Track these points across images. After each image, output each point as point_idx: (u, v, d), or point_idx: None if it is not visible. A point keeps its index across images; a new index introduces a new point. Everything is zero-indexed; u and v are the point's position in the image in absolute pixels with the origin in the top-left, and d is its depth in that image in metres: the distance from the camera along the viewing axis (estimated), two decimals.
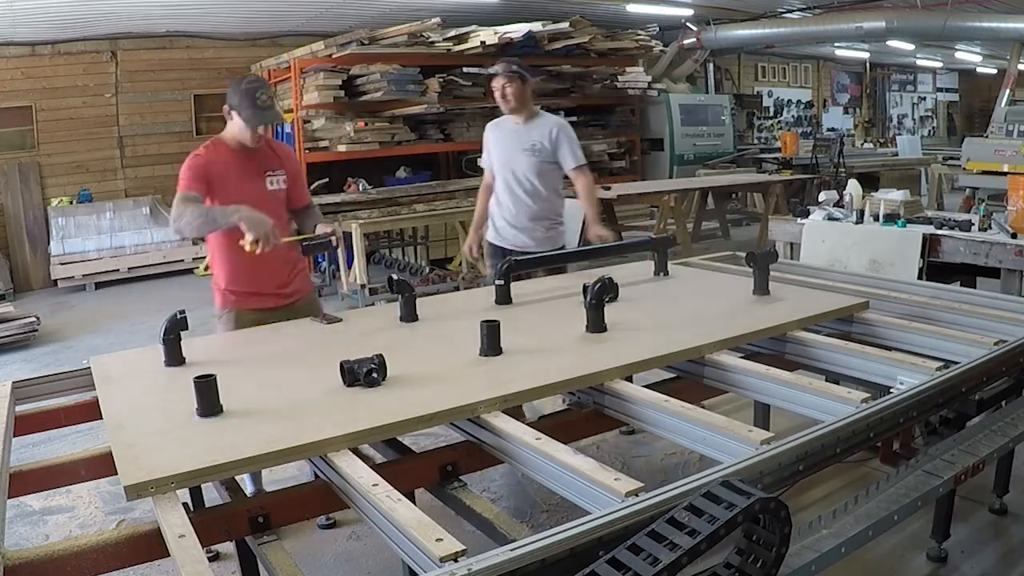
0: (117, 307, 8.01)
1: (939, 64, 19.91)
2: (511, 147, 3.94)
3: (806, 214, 6.00)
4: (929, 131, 21.11)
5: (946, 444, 2.36)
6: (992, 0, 10.84)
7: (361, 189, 9.03)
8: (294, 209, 3.28)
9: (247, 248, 2.77)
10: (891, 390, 2.27)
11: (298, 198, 3.28)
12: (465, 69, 9.68)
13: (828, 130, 16.12)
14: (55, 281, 8.98)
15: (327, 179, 9.16)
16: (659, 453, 3.83)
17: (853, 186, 6.12)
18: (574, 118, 10.93)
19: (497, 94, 3.87)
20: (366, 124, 9.10)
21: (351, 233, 6.99)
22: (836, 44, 15.30)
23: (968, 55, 17.59)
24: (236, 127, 3.01)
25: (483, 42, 9.28)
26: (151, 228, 9.60)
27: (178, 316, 2.53)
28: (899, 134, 18.00)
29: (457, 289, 6.46)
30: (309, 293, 3.39)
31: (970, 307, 3.08)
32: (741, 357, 2.69)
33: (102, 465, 2.20)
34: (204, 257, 9.50)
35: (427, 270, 7.86)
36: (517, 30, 9.37)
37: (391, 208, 7.78)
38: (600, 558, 1.43)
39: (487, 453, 2.13)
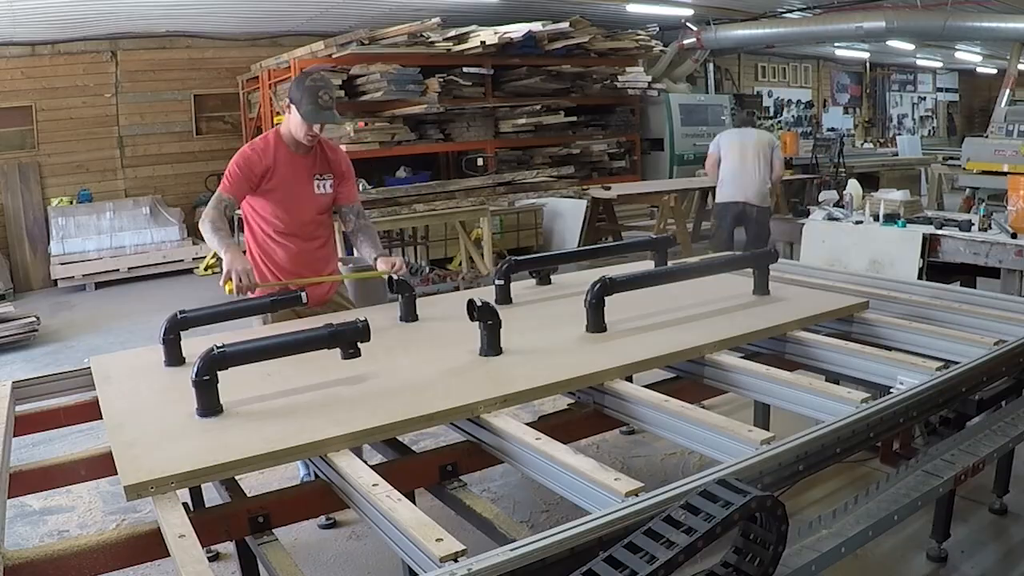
0: (117, 307, 8.00)
1: (939, 64, 19.91)
2: None
3: (806, 214, 6.01)
4: (929, 131, 21.12)
5: (946, 444, 2.36)
6: (992, 0, 10.84)
7: (361, 189, 9.01)
8: (343, 210, 3.24)
9: (225, 289, 2.78)
10: (891, 390, 2.27)
11: (343, 196, 3.23)
12: (465, 69, 9.68)
13: (828, 130, 16.13)
14: (55, 281, 8.97)
15: None
16: (659, 453, 3.83)
17: (853, 186, 6.13)
18: (574, 118, 10.97)
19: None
20: (366, 124, 9.11)
21: None
22: (836, 44, 15.30)
23: (968, 55, 17.59)
24: (293, 121, 3.01)
25: (483, 42, 9.29)
26: (151, 228, 9.60)
27: (178, 316, 2.53)
28: (899, 134, 18.02)
29: (457, 289, 6.45)
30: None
31: (970, 307, 3.08)
32: (741, 357, 2.69)
33: (102, 465, 2.20)
34: (204, 257, 9.52)
35: (427, 270, 7.86)
36: (517, 30, 9.38)
37: (391, 208, 7.76)
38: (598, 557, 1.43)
39: (487, 453, 2.13)
